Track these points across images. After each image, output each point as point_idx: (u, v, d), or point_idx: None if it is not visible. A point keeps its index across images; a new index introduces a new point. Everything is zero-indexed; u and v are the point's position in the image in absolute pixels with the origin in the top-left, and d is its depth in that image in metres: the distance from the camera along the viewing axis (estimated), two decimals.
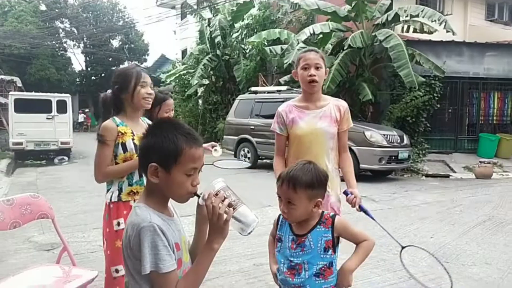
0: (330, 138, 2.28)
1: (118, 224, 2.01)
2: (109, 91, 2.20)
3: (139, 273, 1.13)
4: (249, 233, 1.23)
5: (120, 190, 2.05)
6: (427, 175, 9.45)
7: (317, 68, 2.22)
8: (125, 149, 2.04)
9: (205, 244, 1.20)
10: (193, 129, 1.28)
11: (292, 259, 1.52)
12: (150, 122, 2.26)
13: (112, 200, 2.04)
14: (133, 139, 2.07)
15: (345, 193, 2.19)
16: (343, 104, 2.35)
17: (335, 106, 2.31)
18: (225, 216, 1.16)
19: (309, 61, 2.21)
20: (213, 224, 1.17)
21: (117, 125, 2.06)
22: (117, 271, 1.99)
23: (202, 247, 1.21)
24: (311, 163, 1.54)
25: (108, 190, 2.08)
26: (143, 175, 1.28)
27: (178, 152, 1.17)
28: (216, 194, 1.19)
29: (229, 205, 1.18)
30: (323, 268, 1.49)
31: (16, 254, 3.91)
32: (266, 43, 12.92)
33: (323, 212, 1.55)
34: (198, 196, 1.24)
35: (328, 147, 2.28)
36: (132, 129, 2.09)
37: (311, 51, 2.29)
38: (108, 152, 2.03)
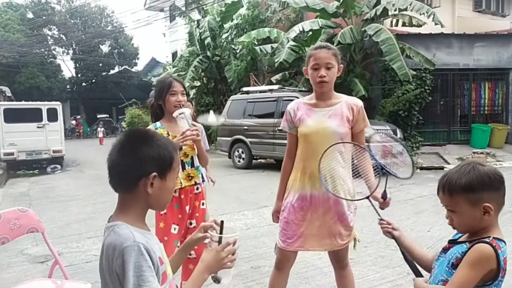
0: (340, 138, 2.09)
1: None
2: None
3: None
4: (218, 283, 1.32)
5: None
6: (421, 168, 9.47)
7: (328, 68, 2.07)
8: None
9: (197, 273, 1.26)
10: None
11: (435, 262, 1.44)
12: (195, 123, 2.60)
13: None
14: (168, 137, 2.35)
15: (383, 197, 2.02)
16: (356, 103, 2.18)
17: (347, 105, 2.15)
18: (226, 266, 1.27)
19: (319, 60, 2.07)
20: (218, 260, 1.26)
21: (156, 128, 2.45)
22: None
23: (196, 274, 1.26)
24: (474, 163, 1.31)
25: None
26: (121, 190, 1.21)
27: (172, 158, 1.21)
28: (234, 244, 1.29)
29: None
30: (444, 283, 1.32)
31: (9, 268, 3.84)
32: (256, 43, 12.88)
33: (489, 236, 1.27)
34: (221, 226, 1.31)
35: (337, 149, 2.08)
36: (168, 130, 2.46)
37: (322, 48, 2.11)
38: None
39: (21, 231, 2.21)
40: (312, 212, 2.15)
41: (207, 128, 15.20)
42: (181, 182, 2.44)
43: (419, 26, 10.11)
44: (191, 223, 2.55)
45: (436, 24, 9.48)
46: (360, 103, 2.20)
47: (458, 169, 1.31)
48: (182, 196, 2.45)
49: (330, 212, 2.14)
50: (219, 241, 1.28)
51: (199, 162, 2.58)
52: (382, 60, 10.38)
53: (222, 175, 8.21)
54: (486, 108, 12.26)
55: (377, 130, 8.59)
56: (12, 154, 11.38)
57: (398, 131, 9.15)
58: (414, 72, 10.01)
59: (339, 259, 2.29)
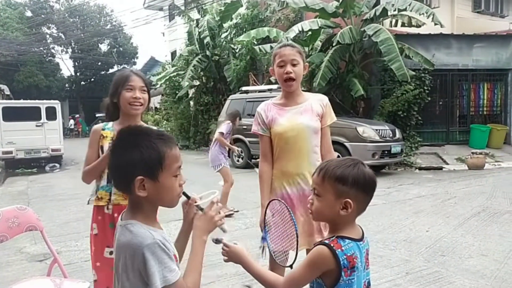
0: (314, 133, 2.14)
1: (94, 229, 2.14)
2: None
3: None
4: (220, 242, 1.37)
5: (95, 195, 2.13)
6: (420, 168, 9.49)
7: (293, 65, 2.09)
8: (102, 152, 2.09)
9: (196, 238, 1.27)
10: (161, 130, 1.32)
11: None
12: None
13: (89, 204, 2.16)
14: (110, 143, 2.07)
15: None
16: (324, 98, 2.23)
17: (316, 101, 2.20)
18: (219, 222, 1.30)
19: (285, 57, 2.09)
20: (208, 220, 1.28)
21: (103, 129, 2.12)
22: (94, 274, 2.09)
23: (193, 241, 1.27)
24: (359, 161, 1.32)
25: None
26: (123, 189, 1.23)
27: (161, 157, 1.14)
28: (216, 203, 1.32)
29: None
30: None
31: (8, 266, 3.83)
32: (255, 42, 12.88)
33: (333, 236, 1.29)
34: (188, 197, 1.34)
35: (313, 143, 2.15)
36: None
37: (287, 46, 2.14)
38: (89, 153, 2.12)
39: (20, 229, 2.21)
40: (295, 210, 2.15)
41: (205, 128, 15.21)
42: (109, 199, 2.06)
43: (419, 26, 10.11)
44: None
45: (435, 24, 9.48)
46: (326, 98, 2.25)
47: (341, 160, 1.33)
48: (116, 215, 2.04)
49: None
50: (200, 209, 1.32)
51: None
52: (381, 60, 10.38)
53: (219, 174, 8.20)
54: (485, 108, 12.27)
55: (377, 129, 8.60)
56: (11, 152, 11.37)
57: (397, 131, 9.16)
58: (413, 73, 10.02)
59: None
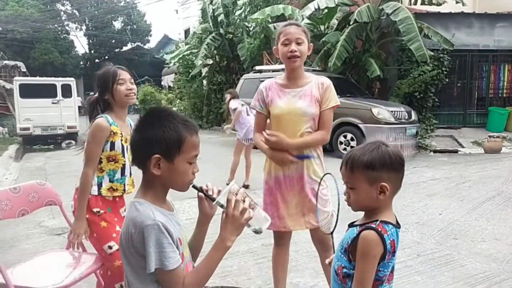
0: (309, 119, 2.12)
1: (98, 212, 2.11)
2: (94, 94, 2.30)
3: (144, 269, 1.12)
4: (261, 232, 1.31)
5: (100, 185, 2.12)
6: (435, 151, 9.36)
7: (298, 44, 2.08)
8: (112, 147, 2.13)
9: (219, 241, 1.23)
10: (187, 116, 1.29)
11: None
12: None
13: (92, 193, 2.11)
14: (121, 140, 2.15)
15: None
16: (325, 81, 2.18)
17: (316, 85, 2.16)
18: (248, 213, 1.22)
19: (290, 36, 2.08)
20: (233, 220, 1.21)
21: (110, 124, 2.13)
22: (110, 247, 2.07)
23: (215, 243, 1.23)
24: (380, 143, 1.32)
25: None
26: (134, 170, 1.27)
27: (181, 141, 1.18)
28: (236, 194, 1.24)
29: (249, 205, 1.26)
30: (339, 268, 1.34)
31: (27, 239, 3.97)
32: (270, 20, 12.64)
33: (377, 220, 1.28)
34: (198, 190, 1.30)
35: (305, 129, 2.12)
36: (121, 130, 2.18)
37: (292, 25, 2.14)
38: (96, 151, 2.11)
39: (40, 203, 2.28)
40: (288, 192, 2.18)
41: (218, 107, 15.19)
42: (124, 189, 2.19)
43: (439, 4, 9.79)
44: None
45: (456, 2, 9.19)
46: (328, 81, 2.20)
47: (363, 147, 1.32)
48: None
49: (305, 189, 2.16)
50: (220, 205, 1.26)
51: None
52: (399, 40, 10.13)
53: (231, 154, 8.22)
54: (505, 91, 11.95)
55: (392, 111, 8.46)
56: (28, 129, 11.61)
57: (413, 113, 9.01)
58: (432, 53, 9.76)
59: (321, 241, 2.23)
